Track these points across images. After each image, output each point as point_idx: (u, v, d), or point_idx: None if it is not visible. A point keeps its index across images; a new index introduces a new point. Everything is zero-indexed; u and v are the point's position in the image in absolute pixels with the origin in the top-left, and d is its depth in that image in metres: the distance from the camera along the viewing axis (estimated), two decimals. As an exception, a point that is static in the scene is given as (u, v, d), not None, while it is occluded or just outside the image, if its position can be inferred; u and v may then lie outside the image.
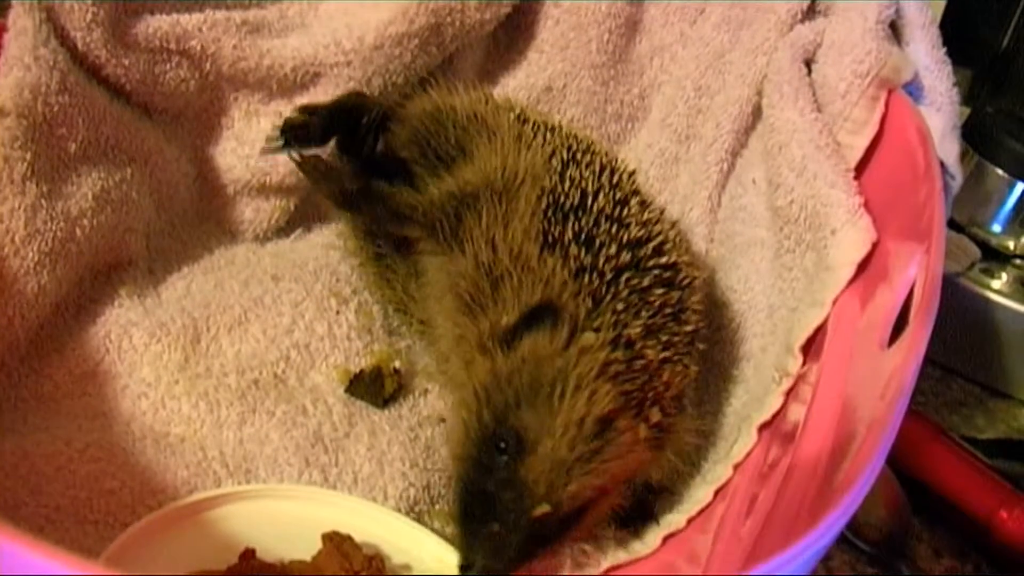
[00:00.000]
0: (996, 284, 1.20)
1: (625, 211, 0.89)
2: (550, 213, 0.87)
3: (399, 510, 0.87)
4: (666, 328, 0.84)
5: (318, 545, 0.77)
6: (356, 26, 1.08)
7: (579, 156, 0.93)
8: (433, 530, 0.86)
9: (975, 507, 0.99)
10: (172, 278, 1.04)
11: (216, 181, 1.12)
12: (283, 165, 1.09)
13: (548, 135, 0.96)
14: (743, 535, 0.81)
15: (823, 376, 0.84)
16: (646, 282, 0.84)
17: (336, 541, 0.77)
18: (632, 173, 0.96)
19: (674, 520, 0.90)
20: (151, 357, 0.93)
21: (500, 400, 0.78)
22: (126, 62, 0.99)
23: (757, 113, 1.06)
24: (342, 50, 1.07)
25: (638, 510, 0.92)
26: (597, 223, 0.86)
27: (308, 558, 0.77)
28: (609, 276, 0.83)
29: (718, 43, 1.11)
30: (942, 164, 0.89)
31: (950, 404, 1.20)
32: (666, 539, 0.89)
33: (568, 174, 0.90)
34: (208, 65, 1.05)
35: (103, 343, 0.93)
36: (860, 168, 0.93)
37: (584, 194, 0.88)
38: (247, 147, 1.10)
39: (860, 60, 0.93)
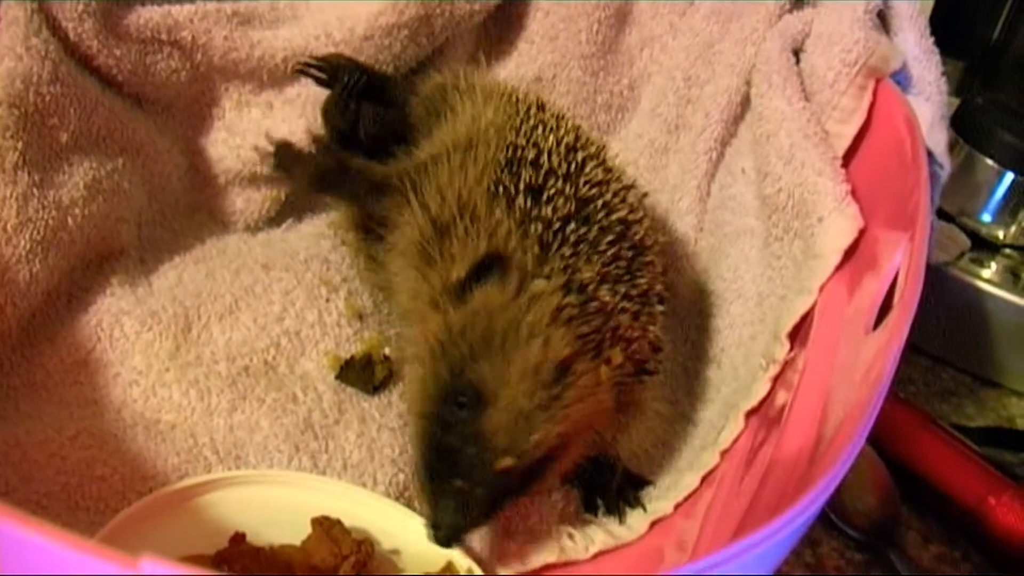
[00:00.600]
0: (986, 274, 1.20)
1: (579, 170, 0.88)
2: (504, 168, 0.86)
3: (389, 495, 0.88)
4: (622, 280, 0.83)
5: (308, 530, 0.77)
6: (346, 17, 1.08)
7: (547, 121, 0.93)
8: (422, 515, 0.85)
9: (964, 495, 0.99)
10: (163, 267, 1.04)
11: (207, 171, 1.12)
12: (273, 155, 1.10)
13: (521, 104, 0.96)
14: (731, 518, 0.82)
15: (809, 363, 0.84)
16: (594, 233, 0.83)
17: (325, 526, 0.77)
18: (601, 148, 0.95)
19: (661, 507, 0.91)
20: (142, 345, 0.93)
21: (455, 354, 0.77)
22: (117, 52, 0.99)
23: (746, 103, 1.06)
24: (332, 41, 1.07)
25: (623, 497, 0.92)
26: (547, 177, 0.85)
27: (298, 543, 0.77)
28: (556, 225, 0.82)
29: (708, 34, 1.11)
30: (930, 153, 0.90)
31: (940, 393, 1.20)
32: (653, 524, 0.90)
33: (533, 136, 0.90)
34: (199, 56, 1.05)
35: (94, 331, 0.93)
36: (848, 157, 0.94)
37: (539, 151, 0.88)
38: (238, 137, 1.11)
39: (848, 49, 0.93)
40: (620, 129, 1.21)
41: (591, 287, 0.80)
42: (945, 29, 0.99)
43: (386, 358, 0.98)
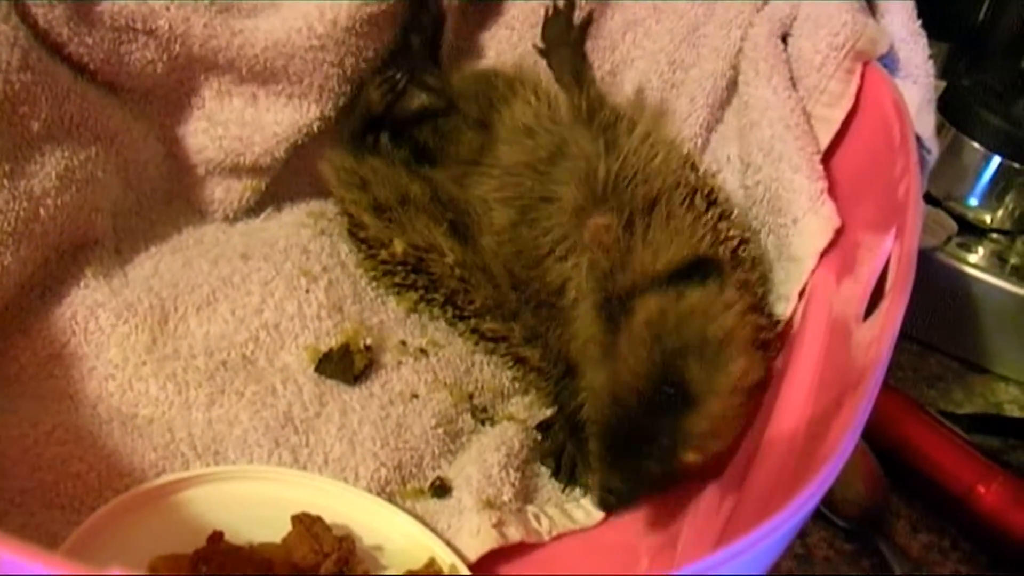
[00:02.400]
0: (973, 258, 1.19)
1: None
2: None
3: (370, 490, 0.86)
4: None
5: (288, 527, 0.76)
6: (328, 8, 1.06)
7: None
8: (405, 510, 0.85)
9: (953, 482, 0.98)
10: (139, 258, 1.02)
11: (186, 161, 1.10)
12: (258, 145, 1.08)
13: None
14: (714, 519, 0.81)
15: (800, 352, 0.83)
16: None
17: (306, 523, 0.76)
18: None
19: None
20: (118, 338, 0.91)
21: (670, 344, 0.78)
22: (89, 40, 0.96)
23: (732, 88, 1.05)
24: (315, 34, 1.04)
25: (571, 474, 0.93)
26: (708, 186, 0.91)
27: (278, 540, 0.76)
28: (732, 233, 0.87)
29: (692, 16, 1.09)
30: (918, 137, 0.88)
31: (928, 379, 1.19)
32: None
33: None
34: (177, 47, 1.02)
35: (69, 324, 0.92)
36: (836, 142, 0.93)
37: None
38: (220, 128, 1.08)
39: (836, 32, 0.92)
40: (603, 115, 1.19)
41: (764, 305, 0.86)
42: (930, 11, 0.98)
43: (367, 347, 0.97)
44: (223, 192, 1.11)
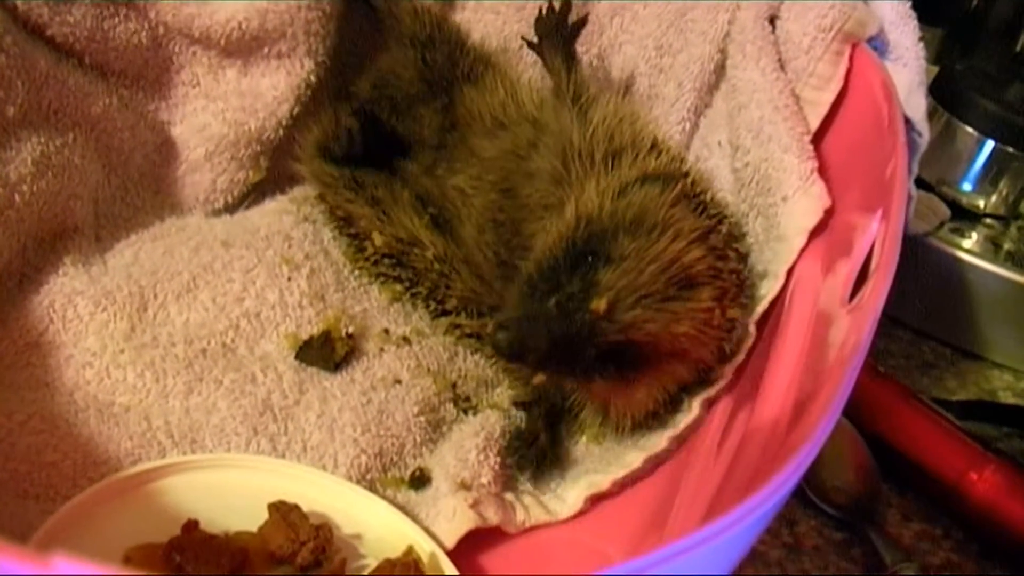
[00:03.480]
0: (966, 244, 1.19)
1: None
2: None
3: (350, 478, 0.85)
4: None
5: (265, 515, 0.75)
6: None
7: None
8: (385, 498, 0.84)
9: (945, 470, 0.98)
10: (119, 245, 1.01)
11: (184, 144, 1.09)
12: (261, 111, 1.08)
13: None
14: (701, 503, 0.80)
15: (786, 337, 0.82)
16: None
17: (283, 511, 0.75)
18: None
19: (596, 480, 0.89)
20: (96, 326, 0.90)
21: (599, 228, 0.81)
22: (70, 19, 0.95)
23: (720, 72, 1.04)
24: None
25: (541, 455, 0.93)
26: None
27: (254, 529, 0.75)
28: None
29: (679, 1, 1.09)
30: (909, 121, 0.88)
31: (920, 366, 1.18)
32: (592, 502, 0.88)
33: None
34: (154, 15, 1.02)
35: (47, 312, 0.91)
36: (824, 124, 0.92)
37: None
38: (219, 102, 1.08)
39: (824, 14, 0.91)
40: (590, 99, 1.18)
41: (744, 239, 0.89)
42: (924, -4, 0.97)
43: (348, 335, 0.96)
44: (226, 180, 1.10)
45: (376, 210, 1.01)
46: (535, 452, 0.91)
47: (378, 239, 1.01)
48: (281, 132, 1.09)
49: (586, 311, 0.77)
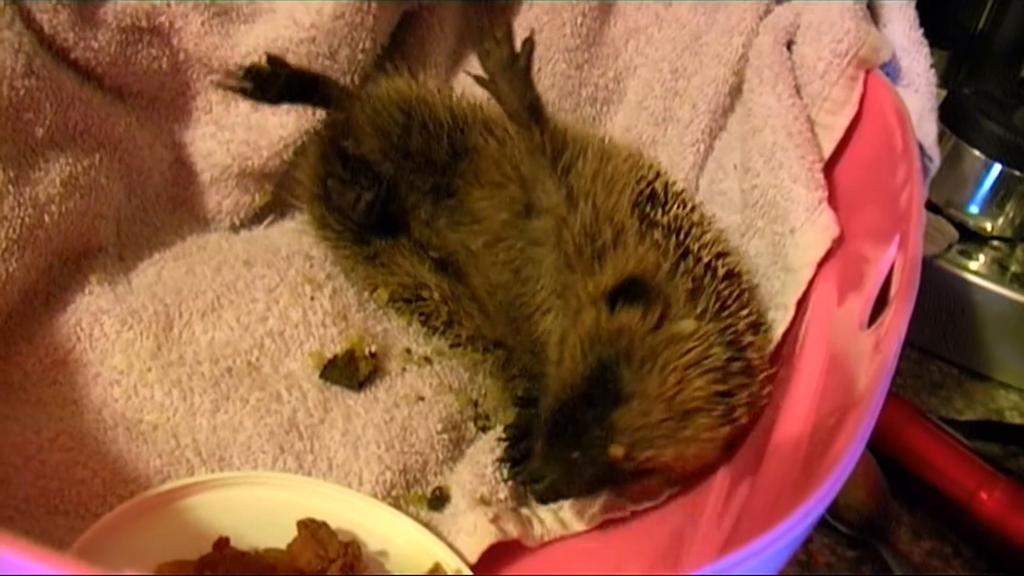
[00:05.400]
0: (974, 265, 1.20)
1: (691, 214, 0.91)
2: (647, 198, 0.89)
3: (375, 495, 0.86)
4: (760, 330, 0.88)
5: (293, 532, 0.76)
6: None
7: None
8: (410, 515, 0.85)
9: (955, 489, 0.99)
10: (143, 264, 1.02)
11: (193, 167, 1.10)
12: (265, 149, 1.08)
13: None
14: (718, 529, 0.81)
15: (802, 360, 0.83)
16: (725, 270, 0.87)
17: (311, 528, 0.76)
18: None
19: (616, 503, 0.90)
20: (123, 345, 0.91)
21: (605, 352, 0.82)
22: (95, 44, 0.97)
23: (735, 94, 1.05)
24: (302, 26, 1.05)
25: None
26: (684, 220, 0.89)
27: (283, 546, 0.76)
28: (706, 260, 0.86)
29: (694, 25, 1.10)
30: (920, 146, 0.89)
31: (928, 386, 1.20)
32: (606, 523, 0.90)
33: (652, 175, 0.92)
34: (176, 42, 1.03)
35: (74, 331, 0.92)
36: (838, 149, 0.93)
37: (667, 193, 0.90)
38: (227, 132, 1.09)
39: (839, 39, 0.93)
40: (606, 123, 1.19)
41: (745, 342, 0.84)
42: (930, 19, 0.99)
43: (372, 354, 0.97)
44: (230, 200, 1.11)
45: (375, 264, 1.02)
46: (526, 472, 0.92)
47: (383, 294, 1.03)
48: (286, 166, 1.11)
49: (607, 456, 0.80)
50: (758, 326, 0.87)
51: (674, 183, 0.94)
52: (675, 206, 0.89)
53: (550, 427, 0.83)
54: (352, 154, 1.01)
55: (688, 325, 0.81)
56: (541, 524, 0.88)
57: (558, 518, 0.89)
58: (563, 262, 0.87)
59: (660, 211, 0.88)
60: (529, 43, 0.89)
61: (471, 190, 0.96)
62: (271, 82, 1.02)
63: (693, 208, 0.92)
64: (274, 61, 1.02)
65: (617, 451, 0.80)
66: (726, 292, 0.85)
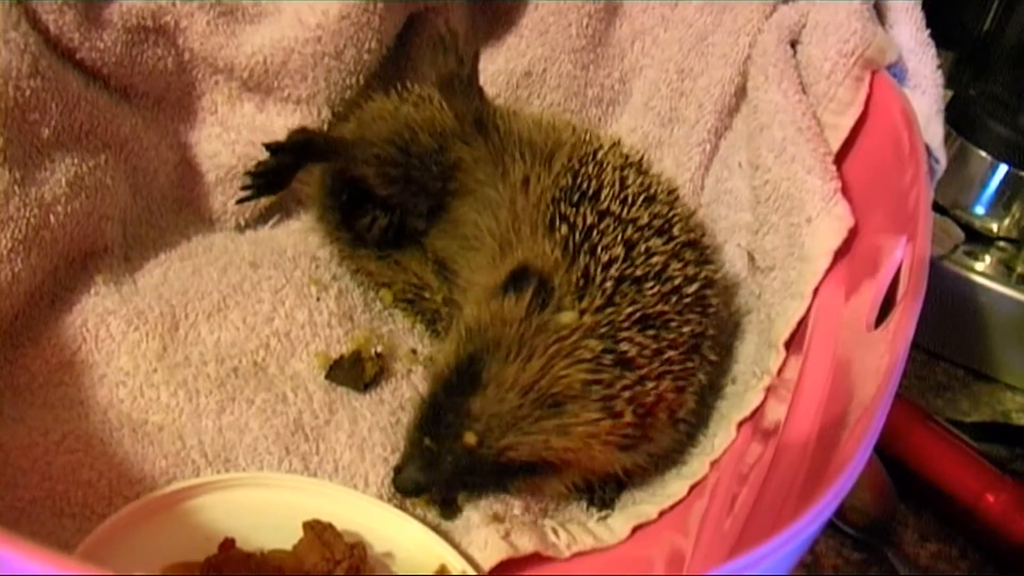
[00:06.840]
0: (980, 267, 1.19)
1: (629, 208, 0.89)
2: (563, 195, 0.88)
3: (380, 496, 0.86)
4: (667, 327, 0.84)
5: (299, 534, 0.76)
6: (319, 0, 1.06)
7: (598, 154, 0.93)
8: (415, 516, 0.85)
9: (961, 491, 0.99)
10: (149, 265, 1.02)
11: (199, 167, 1.11)
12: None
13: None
14: (725, 532, 0.81)
15: (809, 361, 0.83)
16: (639, 272, 0.84)
17: (317, 529, 0.76)
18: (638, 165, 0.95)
19: (645, 511, 0.89)
20: (129, 346, 0.91)
21: (479, 343, 0.83)
22: (100, 45, 0.97)
23: (741, 94, 1.05)
24: (308, 26, 1.05)
25: (602, 497, 0.93)
26: (602, 217, 0.87)
27: (289, 547, 0.76)
28: (604, 261, 0.84)
29: (700, 25, 1.10)
30: (927, 147, 0.89)
31: (934, 388, 1.19)
32: (636, 530, 0.89)
33: (590, 167, 0.91)
34: (181, 41, 1.03)
35: (80, 332, 0.92)
36: (844, 149, 0.93)
37: (600, 185, 0.89)
38: (232, 133, 1.09)
39: (845, 40, 0.93)
40: (612, 123, 1.19)
41: (623, 343, 0.81)
42: (936, 20, 0.98)
43: (377, 355, 0.97)
44: (236, 204, 1.10)
45: (385, 261, 1.03)
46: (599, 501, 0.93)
47: (387, 297, 1.04)
48: None
49: (460, 445, 0.81)
50: (645, 319, 0.84)
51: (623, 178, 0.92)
52: (607, 202, 0.88)
53: (416, 419, 0.85)
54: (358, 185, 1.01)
55: (567, 317, 0.81)
56: (569, 535, 0.87)
57: (588, 530, 0.88)
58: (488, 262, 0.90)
59: (576, 209, 0.87)
60: (473, 53, 0.91)
61: (458, 204, 0.96)
62: (277, 170, 1.01)
63: (634, 204, 0.89)
64: (269, 146, 1.00)
65: (470, 439, 0.80)
66: (615, 288, 0.83)
